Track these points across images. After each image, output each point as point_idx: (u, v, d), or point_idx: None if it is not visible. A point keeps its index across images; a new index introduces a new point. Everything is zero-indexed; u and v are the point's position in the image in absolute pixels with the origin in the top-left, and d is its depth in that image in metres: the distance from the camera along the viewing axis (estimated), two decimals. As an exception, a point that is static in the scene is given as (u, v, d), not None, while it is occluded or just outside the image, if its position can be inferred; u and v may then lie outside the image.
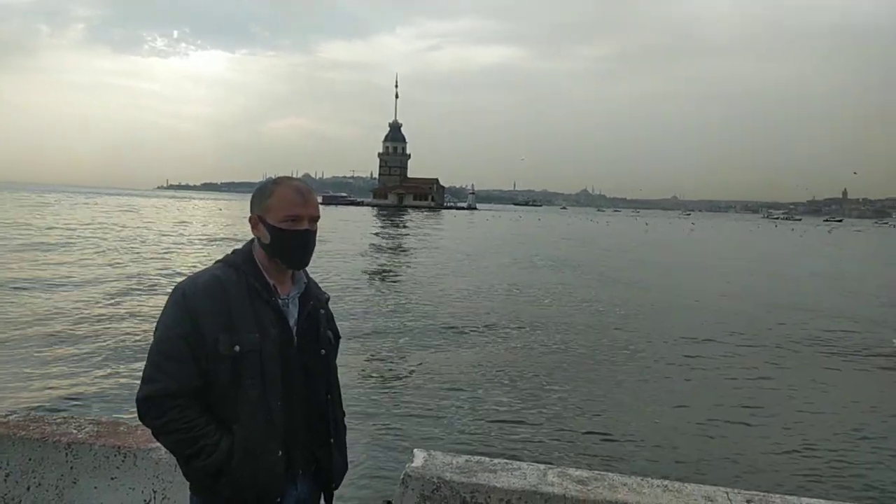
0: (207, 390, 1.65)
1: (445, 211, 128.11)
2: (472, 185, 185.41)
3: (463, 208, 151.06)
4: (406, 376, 8.85)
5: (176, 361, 1.62)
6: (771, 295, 19.04)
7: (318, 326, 1.86)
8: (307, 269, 1.94)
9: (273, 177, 1.89)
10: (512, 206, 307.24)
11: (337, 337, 2.00)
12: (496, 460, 2.34)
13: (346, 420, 2.00)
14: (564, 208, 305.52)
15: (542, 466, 2.30)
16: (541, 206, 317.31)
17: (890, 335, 12.27)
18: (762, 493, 2.25)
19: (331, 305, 2.01)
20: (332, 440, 1.86)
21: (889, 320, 14.85)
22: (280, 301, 1.77)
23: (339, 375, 1.97)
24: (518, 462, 2.34)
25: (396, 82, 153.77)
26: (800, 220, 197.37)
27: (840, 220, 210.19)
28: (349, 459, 1.97)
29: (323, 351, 1.85)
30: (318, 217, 1.79)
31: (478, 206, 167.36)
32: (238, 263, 1.76)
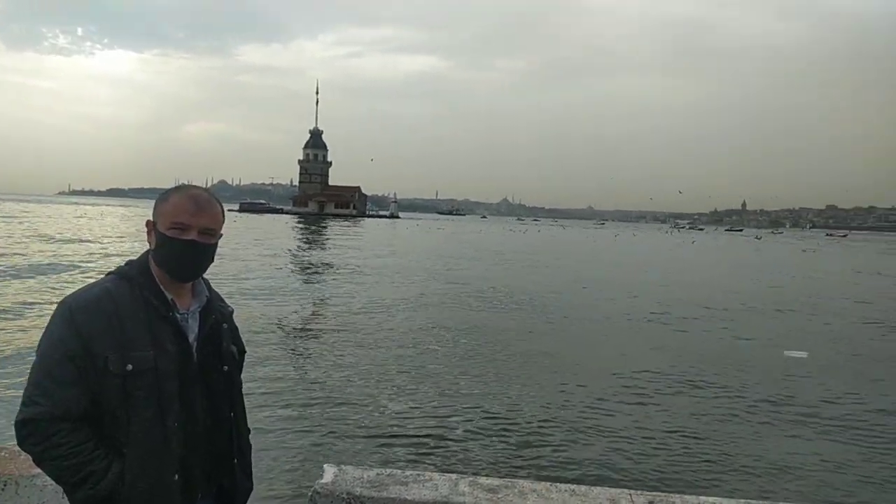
0: (97, 411, 1.55)
1: (368, 219, 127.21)
2: (395, 193, 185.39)
3: (385, 217, 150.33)
4: (317, 388, 8.61)
5: (60, 383, 1.50)
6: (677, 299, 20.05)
7: (220, 341, 1.78)
8: (210, 281, 1.86)
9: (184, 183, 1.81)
10: (435, 214, 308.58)
11: (242, 352, 1.94)
12: (408, 472, 2.33)
13: (251, 437, 1.93)
14: (485, 217, 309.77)
15: (453, 476, 2.31)
16: (464, 215, 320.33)
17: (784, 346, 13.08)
18: (663, 494, 2.35)
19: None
20: (235, 460, 1.79)
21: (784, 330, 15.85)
22: (179, 316, 1.69)
23: (244, 390, 1.91)
24: (430, 473, 2.33)
25: (317, 89, 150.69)
26: (703, 229, 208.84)
27: (741, 230, 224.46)
28: (256, 478, 1.91)
29: (226, 367, 1.78)
30: (213, 230, 1.70)
31: (400, 214, 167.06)
32: (133, 275, 1.66)
